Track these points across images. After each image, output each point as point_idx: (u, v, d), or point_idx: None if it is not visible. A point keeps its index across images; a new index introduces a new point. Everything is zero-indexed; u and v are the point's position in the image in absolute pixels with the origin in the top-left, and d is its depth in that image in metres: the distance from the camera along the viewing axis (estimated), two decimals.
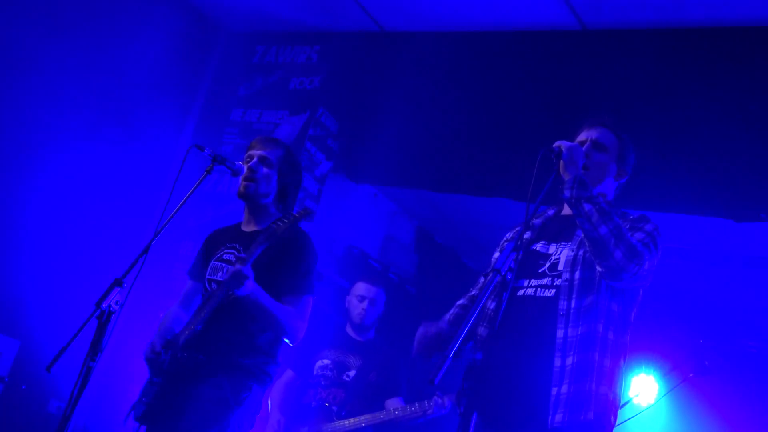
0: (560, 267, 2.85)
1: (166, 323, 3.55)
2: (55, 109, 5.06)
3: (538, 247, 2.96)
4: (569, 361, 2.70)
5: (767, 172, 4.29)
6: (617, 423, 2.84)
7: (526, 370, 2.74)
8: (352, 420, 4.74)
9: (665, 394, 5.81)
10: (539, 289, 2.84)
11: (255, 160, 3.54)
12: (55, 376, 2.90)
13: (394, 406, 4.83)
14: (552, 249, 2.93)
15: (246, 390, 3.34)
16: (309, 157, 5.62)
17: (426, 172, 5.43)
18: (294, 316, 3.37)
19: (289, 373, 4.96)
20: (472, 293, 3.17)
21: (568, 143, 2.88)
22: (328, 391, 4.86)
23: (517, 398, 2.74)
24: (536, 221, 3.10)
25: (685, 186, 4.47)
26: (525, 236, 3.02)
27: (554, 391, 2.68)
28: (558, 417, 2.65)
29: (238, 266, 3.18)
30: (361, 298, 5.04)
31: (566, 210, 3.03)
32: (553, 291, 2.81)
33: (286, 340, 3.45)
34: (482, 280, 3.14)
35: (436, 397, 4.67)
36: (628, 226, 2.87)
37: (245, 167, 3.52)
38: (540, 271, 2.88)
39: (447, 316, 3.13)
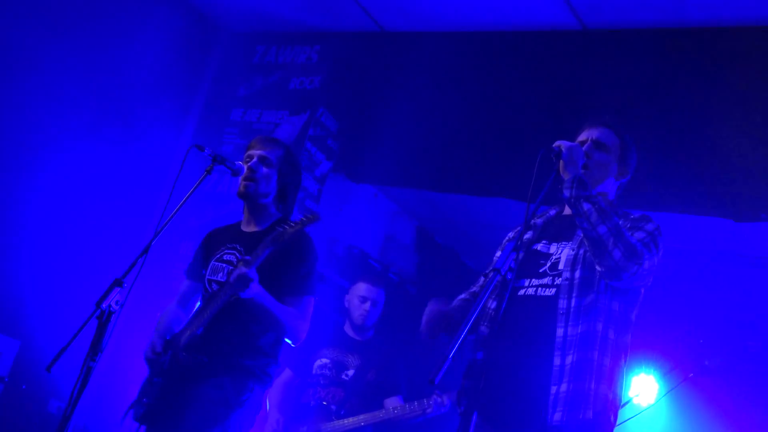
0: (561, 266, 2.85)
1: (164, 323, 3.55)
2: (55, 109, 5.05)
3: (539, 246, 2.96)
4: (569, 359, 2.70)
5: (767, 172, 4.28)
6: (617, 423, 2.83)
7: (526, 369, 2.74)
8: (351, 419, 4.75)
9: (665, 394, 5.81)
10: (540, 289, 2.85)
11: (255, 159, 3.54)
12: (55, 376, 2.90)
13: (393, 405, 4.83)
14: (553, 249, 2.93)
15: (247, 390, 3.35)
16: (309, 157, 5.62)
17: (426, 172, 5.42)
18: (296, 317, 3.38)
19: (287, 373, 4.96)
20: (473, 290, 3.17)
21: (568, 143, 2.89)
22: (327, 391, 4.86)
23: (516, 397, 2.74)
24: (538, 221, 3.10)
25: (685, 186, 4.46)
26: (526, 236, 3.02)
27: (553, 389, 2.68)
28: (557, 415, 2.66)
29: (243, 269, 3.17)
30: (363, 299, 5.03)
31: (567, 210, 3.03)
32: (553, 290, 2.82)
33: (288, 341, 3.46)
34: (482, 280, 3.14)
35: (435, 396, 4.67)
36: (628, 226, 2.87)
37: (245, 167, 3.52)
38: (541, 270, 2.88)
39: (454, 303, 3.12)
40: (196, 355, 3.32)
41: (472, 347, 2.89)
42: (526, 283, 2.88)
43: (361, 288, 5.07)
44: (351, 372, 4.91)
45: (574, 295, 2.78)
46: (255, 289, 3.21)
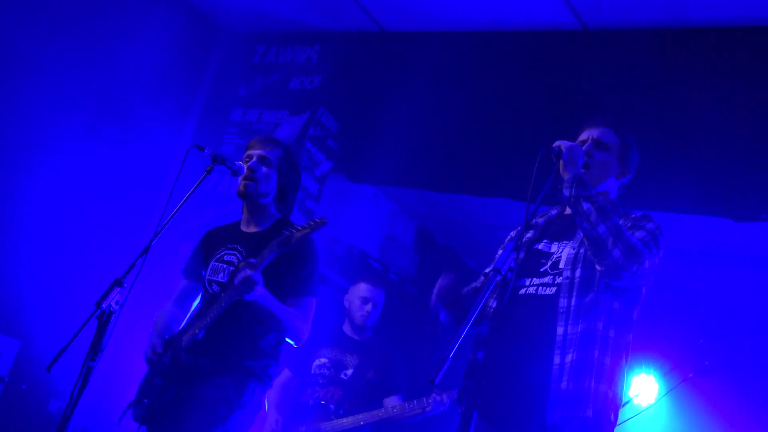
0: (561, 265, 2.85)
1: (162, 322, 3.55)
2: (55, 109, 5.06)
3: (541, 246, 2.97)
4: (569, 358, 2.70)
5: (767, 172, 4.28)
6: (618, 422, 2.83)
7: (526, 368, 2.75)
8: (350, 418, 4.74)
9: (665, 394, 5.81)
10: (540, 288, 2.85)
11: (254, 159, 3.54)
12: (55, 376, 2.90)
13: (392, 404, 4.83)
14: (554, 248, 2.93)
15: (248, 391, 3.35)
16: (309, 157, 5.62)
17: (426, 172, 5.42)
18: (298, 318, 3.39)
19: (286, 373, 4.95)
20: (474, 285, 3.15)
21: (568, 143, 2.89)
22: (325, 390, 4.86)
23: (516, 395, 2.74)
24: (540, 220, 3.10)
25: (685, 186, 4.46)
26: (528, 235, 3.03)
27: (553, 387, 2.68)
28: (556, 414, 2.66)
29: (248, 271, 3.17)
30: (365, 300, 5.03)
31: (569, 209, 3.03)
32: (554, 289, 2.82)
33: (291, 342, 3.46)
34: (482, 279, 3.14)
35: (434, 395, 4.67)
36: (629, 225, 2.87)
37: (245, 167, 3.52)
38: (542, 270, 2.88)
39: (465, 290, 3.12)
40: (199, 357, 3.32)
41: (473, 346, 2.89)
42: (527, 282, 2.88)
43: (363, 289, 5.06)
44: (350, 371, 4.91)
45: (574, 294, 2.78)
46: (259, 292, 3.21)
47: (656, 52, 4.73)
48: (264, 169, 3.54)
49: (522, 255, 2.96)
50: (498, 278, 2.61)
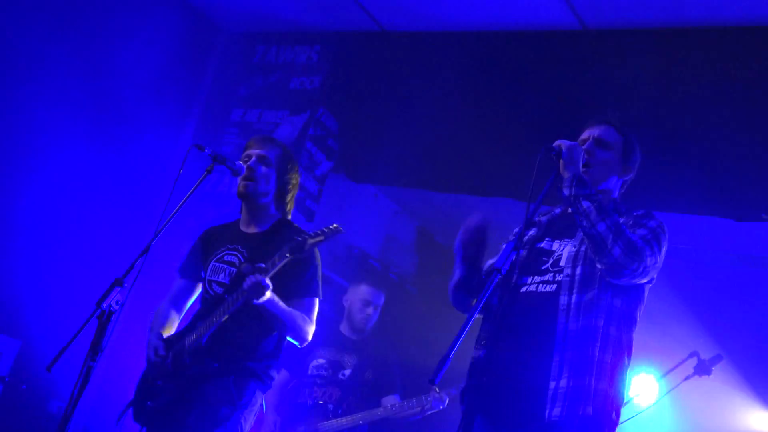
0: (562, 263, 2.85)
1: (158, 322, 3.56)
2: (55, 109, 5.05)
3: (543, 244, 2.97)
4: (568, 355, 2.70)
5: (767, 171, 4.28)
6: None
7: (527, 365, 2.75)
8: (349, 418, 4.75)
9: (666, 394, 5.80)
10: (541, 285, 2.85)
11: (254, 159, 3.54)
12: (55, 376, 2.91)
13: (391, 403, 4.83)
14: (555, 246, 2.93)
15: (249, 391, 3.36)
16: (309, 156, 5.62)
17: (426, 172, 5.43)
18: (302, 320, 3.40)
19: (283, 373, 4.95)
20: (492, 262, 3.13)
21: (568, 142, 2.89)
22: (324, 390, 4.86)
23: (516, 393, 2.75)
24: (543, 219, 3.11)
25: (686, 186, 4.46)
26: (531, 233, 3.03)
27: (552, 385, 2.68)
28: (556, 411, 2.66)
29: (259, 276, 3.17)
30: (366, 303, 5.03)
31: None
32: (554, 286, 2.82)
33: (295, 342, 3.47)
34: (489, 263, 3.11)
35: (433, 393, 4.67)
36: (631, 223, 2.87)
37: (245, 167, 3.52)
38: (543, 268, 2.89)
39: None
40: (204, 360, 3.31)
41: (475, 345, 2.89)
42: (529, 281, 2.88)
43: (364, 291, 5.05)
44: (348, 371, 4.91)
45: (575, 291, 2.78)
46: (268, 297, 3.21)
47: (656, 52, 4.73)
48: (263, 168, 3.54)
49: (524, 253, 2.96)
50: (498, 278, 2.61)
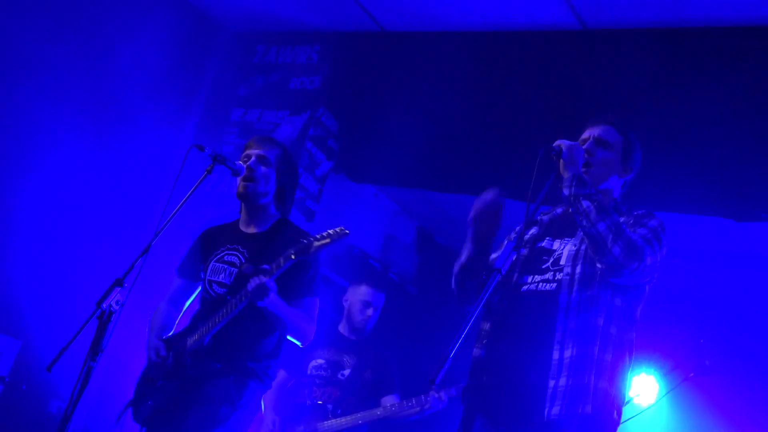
0: (562, 262, 2.85)
1: (157, 322, 3.56)
2: (55, 109, 5.05)
3: (544, 243, 2.97)
4: (567, 353, 2.70)
5: (767, 172, 4.28)
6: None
7: (526, 364, 2.75)
8: (348, 417, 4.74)
9: (666, 394, 5.80)
10: (541, 284, 2.85)
11: (253, 159, 3.54)
12: (55, 376, 2.91)
13: (390, 402, 4.83)
14: (556, 245, 2.94)
15: (249, 391, 3.36)
16: (309, 157, 5.62)
17: (426, 172, 5.42)
18: (304, 320, 3.40)
19: (281, 373, 4.94)
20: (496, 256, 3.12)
21: (569, 142, 2.89)
22: (323, 390, 4.86)
23: (516, 392, 2.75)
24: (544, 218, 3.11)
25: (685, 185, 4.46)
26: (532, 232, 3.03)
27: (551, 383, 2.68)
28: (555, 410, 2.65)
29: (263, 278, 3.17)
30: (367, 304, 5.02)
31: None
32: (554, 285, 2.82)
33: (297, 342, 3.47)
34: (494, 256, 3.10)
35: (432, 392, 4.67)
36: (631, 222, 2.87)
37: (245, 167, 3.52)
38: (543, 267, 2.89)
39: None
40: (207, 361, 3.31)
41: (475, 343, 2.89)
42: (529, 280, 2.88)
43: (365, 292, 5.04)
44: (347, 372, 4.90)
45: (574, 289, 2.78)
46: (272, 299, 3.21)
47: (656, 52, 4.72)
48: (263, 168, 3.54)
49: (525, 252, 2.96)
50: (498, 278, 2.61)
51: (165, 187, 5.29)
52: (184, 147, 5.56)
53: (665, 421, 6.24)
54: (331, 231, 3.23)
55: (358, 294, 5.07)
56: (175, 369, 3.35)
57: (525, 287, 2.88)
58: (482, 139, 5.15)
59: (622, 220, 2.84)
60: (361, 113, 5.71)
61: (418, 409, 4.74)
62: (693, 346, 5.97)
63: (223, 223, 3.75)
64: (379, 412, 4.80)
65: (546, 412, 2.66)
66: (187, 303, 3.69)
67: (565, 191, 2.80)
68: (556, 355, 2.71)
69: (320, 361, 4.94)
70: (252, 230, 3.58)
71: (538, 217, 3.10)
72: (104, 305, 2.82)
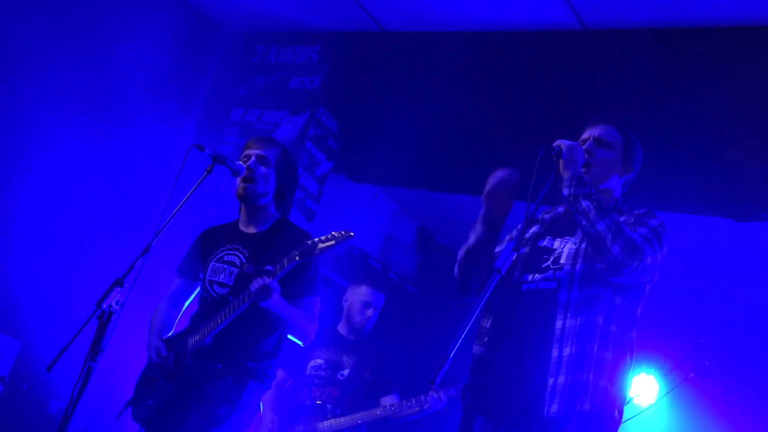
0: (562, 260, 2.85)
1: (157, 322, 3.55)
2: (56, 109, 5.05)
3: (545, 242, 2.97)
4: (566, 351, 2.70)
5: (767, 171, 4.28)
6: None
7: (526, 362, 2.75)
8: (347, 417, 4.74)
9: (666, 394, 5.80)
10: (542, 282, 2.85)
11: (253, 159, 3.54)
12: (55, 376, 2.91)
13: (389, 402, 4.83)
14: (557, 244, 2.94)
15: (248, 391, 3.36)
16: (309, 157, 5.62)
17: (426, 172, 5.42)
18: (306, 319, 3.41)
19: (280, 373, 4.94)
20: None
21: (568, 142, 2.89)
22: (322, 390, 4.86)
23: (515, 390, 2.75)
24: (546, 216, 3.11)
25: (685, 186, 4.46)
26: (533, 230, 3.04)
27: (551, 381, 2.68)
28: (554, 407, 2.65)
29: (266, 279, 3.17)
30: (367, 305, 5.01)
31: None
32: (554, 283, 2.82)
33: (299, 342, 3.47)
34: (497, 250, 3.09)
35: (432, 392, 4.67)
36: (632, 221, 2.87)
37: (245, 167, 3.52)
38: (544, 265, 2.89)
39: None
40: (208, 361, 3.31)
41: (476, 341, 2.89)
42: (530, 278, 2.88)
43: (365, 293, 5.04)
44: (346, 372, 4.90)
45: (574, 287, 2.78)
46: (275, 299, 3.21)
47: (656, 52, 4.73)
48: (262, 168, 3.53)
49: (526, 251, 2.96)
50: (498, 278, 2.61)
51: (165, 187, 5.29)
52: (184, 147, 5.55)
53: (665, 421, 6.24)
54: (335, 233, 3.24)
55: (357, 294, 5.07)
56: (175, 369, 3.35)
57: (525, 286, 2.88)
58: (482, 139, 5.15)
59: (622, 219, 2.84)
60: (361, 113, 5.71)
61: (417, 409, 4.74)
62: (693, 346, 5.96)
63: (223, 224, 3.75)
64: (378, 412, 4.80)
65: (545, 410, 2.66)
66: (187, 303, 3.69)
67: (565, 191, 2.80)
68: (555, 353, 2.71)
69: (319, 361, 4.93)
70: (252, 230, 3.58)
71: (540, 216, 3.11)
72: (104, 305, 2.82)
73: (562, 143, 2.87)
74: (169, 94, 5.80)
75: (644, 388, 6.05)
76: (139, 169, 5.52)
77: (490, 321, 2.90)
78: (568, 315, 2.75)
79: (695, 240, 5.73)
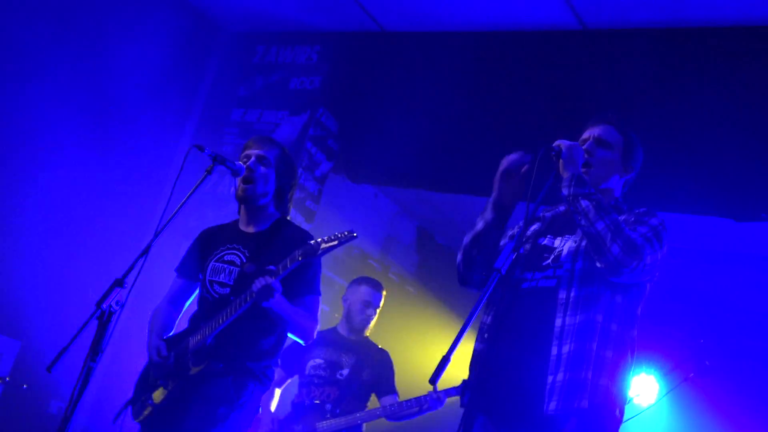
0: (562, 258, 2.86)
1: (158, 322, 3.56)
2: (56, 110, 5.06)
3: (545, 241, 2.97)
4: (565, 349, 2.70)
5: (767, 171, 4.29)
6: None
7: (525, 360, 2.75)
8: (346, 417, 4.75)
9: (666, 394, 5.80)
10: (542, 281, 2.85)
11: (253, 159, 3.54)
12: (55, 376, 2.90)
13: (389, 402, 4.84)
14: (557, 242, 2.94)
15: (247, 391, 3.36)
16: (309, 157, 5.62)
17: (426, 172, 5.43)
18: (307, 318, 3.41)
19: (279, 373, 4.94)
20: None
21: (568, 142, 2.89)
22: (321, 390, 4.86)
23: (514, 388, 2.75)
24: (547, 214, 3.11)
25: (685, 185, 4.47)
26: (534, 227, 3.04)
27: (550, 379, 2.68)
28: (552, 404, 2.65)
29: (268, 279, 3.17)
30: (367, 304, 5.01)
31: None
32: (554, 281, 2.82)
33: (300, 341, 3.47)
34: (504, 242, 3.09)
35: (431, 392, 4.67)
36: (632, 220, 2.87)
37: (245, 167, 3.52)
38: (544, 264, 2.89)
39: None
40: (209, 361, 3.31)
41: (477, 337, 2.90)
42: (530, 277, 2.89)
43: (365, 292, 5.04)
44: (346, 371, 4.90)
45: (574, 285, 2.78)
46: (277, 299, 3.22)
47: (656, 52, 4.73)
48: (262, 169, 3.53)
49: (526, 249, 2.96)
50: (498, 278, 2.61)
51: (165, 187, 5.29)
52: (184, 147, 5.57)
53: (665, 421, 6.25)
54: (338, 233, 3.25)
55: (357, 294, 5.07)
56: (176, 369, 3.35)
57: (525, 284, 2.88)
58: (482, 139, 5.15)
59: (622, 218, 2.84)
60: (360, 113, 5.71)
61: (416, 409, 4.74)
62: (693, 346, 5.97)
63: (222, 224, 3.75)
64: (378, 411, 4.80)
65: (544, 408, 2.66)
66: (187, 303, 3.69)
67: (564, 191, 2.80)
68: (554, 350, 2.72)
69: (319, 360, 4.94)
70: (251, 230, 3.58)
71: (541, 214, 3.11)
72: (104, 306, 2.82)
73: (561, 143, 2.87)
74: (169, 95, 5.81)
75: (644, 388, 6.06)
76: (139, 169, 5.52)
77: (490, 317, 2.90)
78: (568, 313, 2.75)
79: (695, 240, 5.73)
